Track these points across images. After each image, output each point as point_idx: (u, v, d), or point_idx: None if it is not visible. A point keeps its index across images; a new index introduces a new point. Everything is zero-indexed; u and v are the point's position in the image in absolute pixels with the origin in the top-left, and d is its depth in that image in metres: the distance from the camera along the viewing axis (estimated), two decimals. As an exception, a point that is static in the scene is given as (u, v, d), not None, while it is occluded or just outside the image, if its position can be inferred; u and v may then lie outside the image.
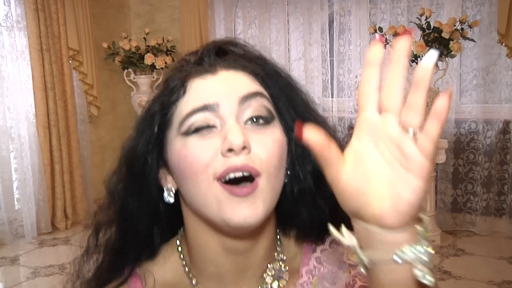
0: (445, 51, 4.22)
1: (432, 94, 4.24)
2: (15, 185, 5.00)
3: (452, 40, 4.19)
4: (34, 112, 5.01)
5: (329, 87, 5.26)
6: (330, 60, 5.22)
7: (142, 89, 5.73)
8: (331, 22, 5.22)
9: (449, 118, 4.68)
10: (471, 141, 4.75)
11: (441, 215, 4.80)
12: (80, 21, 5.27)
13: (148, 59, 5.45)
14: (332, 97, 5.22)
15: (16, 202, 5.03)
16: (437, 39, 4.23)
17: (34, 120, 5.02)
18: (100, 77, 5.59)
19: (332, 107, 5.20)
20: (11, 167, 4.99)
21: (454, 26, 4.21)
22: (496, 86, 4.65)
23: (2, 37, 4.82)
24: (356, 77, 5.07)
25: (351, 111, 5.17)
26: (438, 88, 4.46)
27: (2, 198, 4.88)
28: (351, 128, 5.17)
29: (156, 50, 5.53)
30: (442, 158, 4.46)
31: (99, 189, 5.71)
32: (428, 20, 4.31)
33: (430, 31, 4.26)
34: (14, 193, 5.02)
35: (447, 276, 3.89)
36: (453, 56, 4.31)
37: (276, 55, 5.39)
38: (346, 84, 5.14)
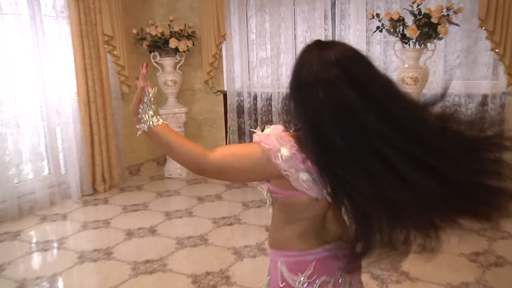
0: (434, 34, 4.47)
1: (422, 72, 4.61)
2: (61, 153, 5.32)
3: (440, 25, 4.42)
4: (76, 90, 5.30)
5: None
6: (332, 43, 5.43)
7: (167, 70, 6.00)
8: (333, 9, 5.41)
9: (436, 92, 4.99)
10: (454, 112, 5.02)
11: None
12: (113, 10, 5.51)
13: (172, 43, 5.70)
14: (334, 76, 5.45)
15: (63, 168, 5.37)
16: (427, 23, 4.44)
17: (76, 97, 5.32)
18: (130, 60, 5.86)
19: None
20: (58, 138, 5.28)
21: (442, 12, 4.42)
22: (476, 65, 4.94)
23: (48, 25, 5.07)
24: None
25: None
26: (427, 66, 4.74)
27: (51, 165, 5.24)
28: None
29: (179, 35, 5.76)
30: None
31: (130, 159, 6.04)
32: (419, 7, 4.50)
33: (421, 16, 4.47)
34: (61, 160, 5.34)
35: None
36: (440, 39, 4.59)
37: (284, 39, 5.66)
38: None
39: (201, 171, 1.57)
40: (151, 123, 1.61)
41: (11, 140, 4.84)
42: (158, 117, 1.64)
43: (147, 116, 1.61)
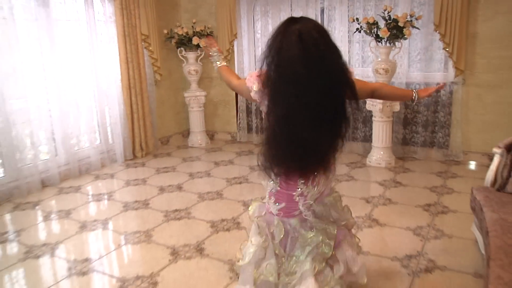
0: (400, 35, 4.57)
1: (391, 64, 4.68)
2: (109, 127, 5.45)
3: (405, 28, 4.51)
4: (120, 78, 5.39)
5: None
6: (321, 41, 5.48)
7: (190, 62, 6.05)
8: (322, 15, 5.46)
9: (402, 81, 5.10)
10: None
11: (394, 147, 5.20)
12: (149, 15, 5.56)
13: (195, 40, 5.76)
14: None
15: (110, 138, 5.50)
16: (395, 27, 4.54)
17: (120, 84, 5.41)
18: (161, 54, 5.92)
19: None
20: (107, 115, 5.41)
21: (406, 18, 4.51)
22: (432, 60, 5.02)
23: (100, 28, 5.17)
24: None
25: None
26: (395, 60, 4.82)
27: (102, 136, 5.38)
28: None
29: (200, 34, 5.82)
30: (397, 108, 4.89)
31: (161, 132, 6.16)
32: (389, 13, 4.60)
33: (391, 21, 4.56)
34: (109, 132, 5.47)
35: (398, 184, 4.39)
36: (405, 39, 4.68)
37: (283, 38, 5.70)
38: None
39: (233, 87, 2.34)
40: (217, 63, 2.43)
41: (72, 117, 4.95)
42: (219, 63, 2.43)
43: (215, 60, 2.44)
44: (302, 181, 2.13)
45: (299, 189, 2.13)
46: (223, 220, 3.64)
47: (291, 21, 1.91)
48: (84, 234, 3.51)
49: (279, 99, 1.92)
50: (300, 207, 2.17)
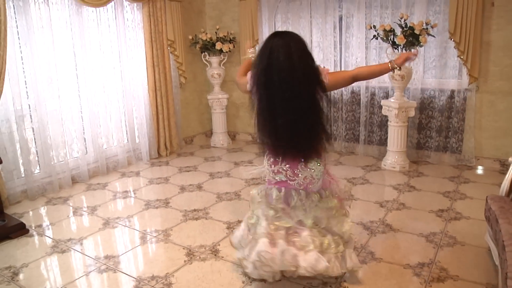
0: (416, 42, 4.33)
1: (407, 71, 4.46)
2: (136, 127, 5.35)
3: (421, 35, 4.29)
4: (146, 81, 5.29)
5: (339, 65, 5.33)
6: (339, 47, 5.31)
7: (214, 66, 5.90)
8: (340, 22, 5.25)
9: (417, 87, 4.87)
10: (430, 102, 4.91)
11: (409, 151, 4.97)
12: (175, 22, 5.44)
13: (218, 45, 5.60)
14: (340, 72, 5.34)
15: (136, 138, 5.40)
16: (411, 34, 4.31)
17: (147, 86, 5.31)
18: (186, 58, 5.80)
19: None
20: (134, 116, 5.31)
21: (422, 26, 4.28)
22: (446, 67, 4.76)
23: (129, 34, 5.07)
24: (356, 58, 5.18)
25: None
26: (411, 67, 4.59)
27: (129, 135, 5.28)
28: (353, 92, 5.36)
29: (223, 40, 5.66)
30: (412, 113, 4.65)
31: (185, 132, 6.05)
32: (406, 21, 4.38)
33: (407, 28, 4.34)
34: (135, 132, 5.36)
35: (412, 189, 4.16)
36: (421, 46, 4.42)
37: (302, 44, 5.51)
38: (350, 63, 5.24)
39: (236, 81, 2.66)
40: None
41: (101, 117, 4.88)
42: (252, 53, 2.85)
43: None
44: (287, 165, 2.38)
45: (283, 171, 2.39)
46: (239, 222, 3.47)
47: (275, 35, 2.26)
48: (106, 231, 3.41)
49: (262, 95, 2.24)
50: (295, 183, 2.41)
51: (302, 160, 2.33)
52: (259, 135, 2.35)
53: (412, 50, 4.12)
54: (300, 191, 2.39)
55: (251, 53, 2.78)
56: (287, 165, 2.37)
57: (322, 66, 2.36)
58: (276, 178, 2.42)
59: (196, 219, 3.58)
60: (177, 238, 3.22)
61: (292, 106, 2.16)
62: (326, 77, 2.32)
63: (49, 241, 3.26)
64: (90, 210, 3.86)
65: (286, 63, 2.14)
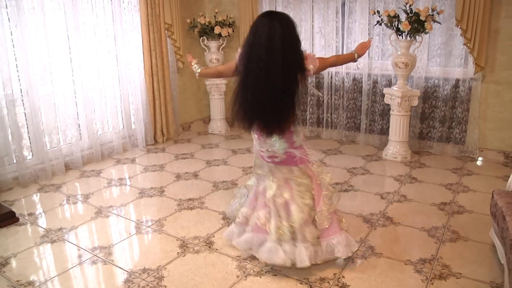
0: (421, 29, 4.18)
1: (411, 58, 4.32)
2: (131, 112, 5.21)
3: (426, 22, 4.14)
4: (143, 65, 5.14)
5: (341, 51, 5.18)
6: (341, 33, 5.16)
7: (212, 50, 5.76)
8: (343, 7, 5.08)
9: (421, 75, 4.74)
10: (434, 91, 4.77)
11: (411, 141, 4.84)
12: (173, 4, 5.26)
13: (217, 30, 5.46)
14: (342, 59, 5.19)
15: (132, 124, 5.27)
16: (416, 20, 4.16)
17: (143, 71, 5.16)
18: (184, 42, 5.64)
19: (341, 66, 5.19)
20: (129, 101, 5.16)
21: (428, 12, 4.13)
22: (452, 55, 4.60)
23: (124, 16, 4.89)
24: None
25: (355, 68, 5.17)
26: (416, 54, 4.45)
27: (124, 121, 5.14)
28: (354, 79, 5.21)
29: (222, 24, 5.52)
30: (415, 103, 4.52)
31: (183, 118, 5.92)
32: (411, 7, 4.22)
33: (412, 14, 4.18)
34: (131, 118, 5.23)
35: (414, 180, 4.05)
36: (427, 33, 4.30)
37: (304, 29, 5.37)
38: (352, 49, 5.01)
39: (219, 73, 2.85)
40: (197, 71, 2.84)
41: (96, 102, 4.74)
42: (197, 67, 2.84)
43: (195, 69, 2.84)
44: (255, 135, 2.56)
45: (254, 139, 2.61)
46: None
47: (265, 14, 2.32)
48: (98, 221, 3.31)
49: (243, 69, 2.35)
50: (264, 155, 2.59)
51: (264, 134, 2.47)
52: (233, 102, 2.43)
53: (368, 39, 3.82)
54: (269, 162, 2.57)
55: (196, 65, 2.88)
56: (255, 135, 2.58)
57: (308, 52, 2.56)
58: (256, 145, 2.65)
59: (191, 208, 3.48)
60: (171, 229, 3.12)
61: (265, 84, 2.25)
62: (315, 62, 2.47)
63: (40, 230, 3.16)
64: (83, 198, 3.75)
65: (267, 42, 2.21)
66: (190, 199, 3.66)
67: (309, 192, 2.51)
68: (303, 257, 2.39)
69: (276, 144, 2.49)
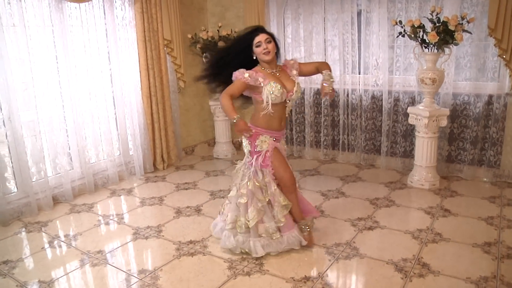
0: (451, 40, 3.71)
1: (439, 73, 3.84)
2: (128, 137, 4.79)
3: (456, 32, 3.67)
4: (140, 85, 4.72)
5: (357, 66, 4.75)
6: (358, 46, 4.71)
7: (216, 68, 5.29)
8: (359, 17, 4.64)
9: (448, 91, 4.27)
10: (464, 109, 4.29)
11: (438, 164, 4.32)
12: (172, 19, 4.86)
13: (220, 44, 4.99)
14: (359, 74, 4.76)
15: (130, 150, 4.82)
16: (444, 30, 3.69)
17: (140, 92, 4.74)
18: (185, 59, 5.22)
19: (359, 82, 4.76)
20: (126, 125, 4.73)
21: (458, 21, 3.67)
22: (483, 69, 4.14)
23: (119, 33, 4.48)
24: (376, 59, 4.57)
25: (373, 85, 4.71)
26: (443, 69, 3.98)
27: (120, 147, 4.73)
28: (373, 97, 4.73)
29: (226, 39, 5.06)
30: (444, 123, 4.03)
31: (185, 141, 5.48)
32: (438, 15, 3.75)
33: (440, 24, 3.71)
34: (128, 143, 4.80)
35: (447, 213, 3.54)
36: (457, 44, 3.80)
37: (315, 42, 4.92)
38: (370, 64, 4.66)
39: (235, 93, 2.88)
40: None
41: (88, 128, 4.31)
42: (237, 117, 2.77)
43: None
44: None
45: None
46: (243, 259, 2.88)
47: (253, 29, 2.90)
48: (84, 269, 2.82)
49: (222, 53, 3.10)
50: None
51: None
52: (207, 74, 3.21)
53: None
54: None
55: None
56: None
57: (289, 59, 3.13)
58: None
59: (192, 254, 2.97)
60: (167, 283, 2.62)
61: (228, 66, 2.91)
62: (296, 67, 3.08)
63: (13, 285, 2.68)
64: (69, 240, 3.28)
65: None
66: (191, 242, 3.16)
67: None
68: (258, 249, 2.83)
69: (244, 141, 3.13)
